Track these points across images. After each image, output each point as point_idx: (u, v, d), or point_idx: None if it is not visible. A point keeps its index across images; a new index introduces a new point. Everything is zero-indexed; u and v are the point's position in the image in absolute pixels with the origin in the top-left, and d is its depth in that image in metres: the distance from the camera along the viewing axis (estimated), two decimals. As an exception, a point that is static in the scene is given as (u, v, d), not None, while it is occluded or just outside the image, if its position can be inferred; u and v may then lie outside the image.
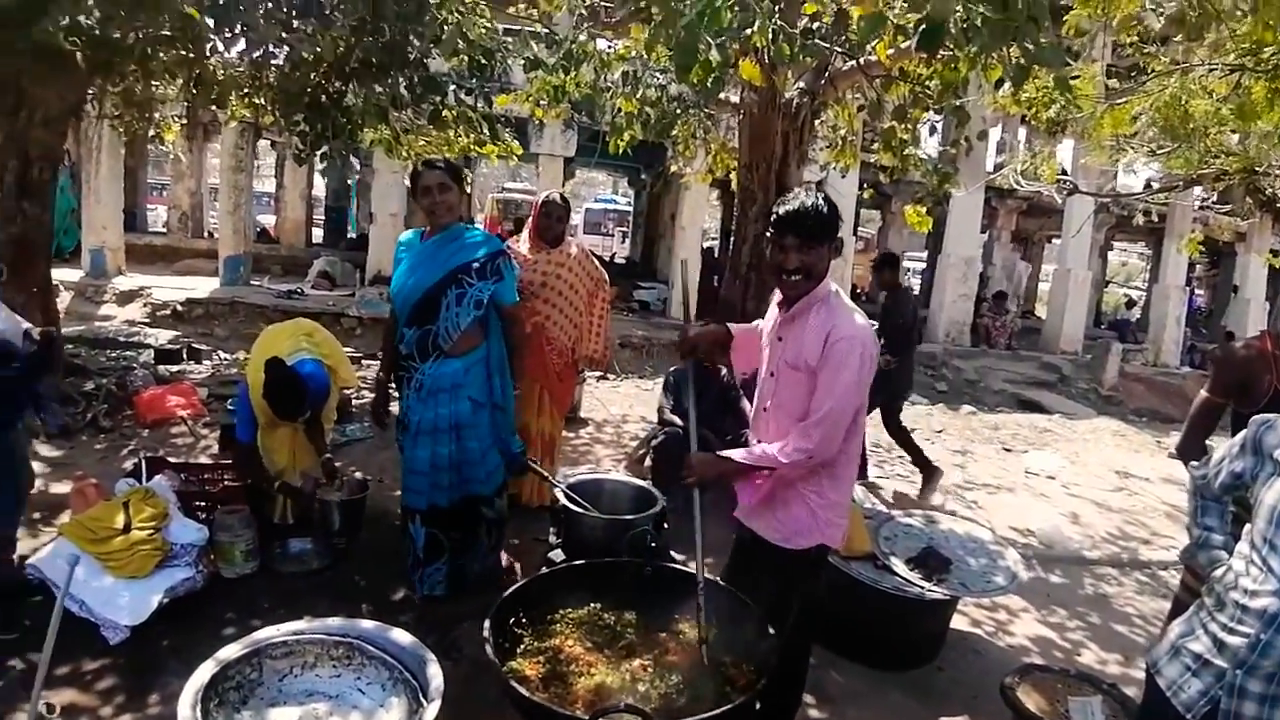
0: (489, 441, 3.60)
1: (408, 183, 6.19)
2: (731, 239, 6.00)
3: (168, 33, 4.73)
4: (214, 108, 7.44)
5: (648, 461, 5.26)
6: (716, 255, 16.67)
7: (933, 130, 7.18)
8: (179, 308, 11.29)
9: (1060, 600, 4.63)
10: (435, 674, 2.25)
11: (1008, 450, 8.20)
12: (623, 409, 8.10)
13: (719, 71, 3.75)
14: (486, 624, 2.23)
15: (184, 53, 5.45)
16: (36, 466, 4.43)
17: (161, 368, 7.72)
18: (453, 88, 6.58)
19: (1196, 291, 22.74)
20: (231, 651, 2.29)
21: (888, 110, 5.48)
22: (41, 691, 2.48)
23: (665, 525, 3.70)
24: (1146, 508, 6.69)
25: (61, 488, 4.49)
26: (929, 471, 6.10)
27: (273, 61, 5.89)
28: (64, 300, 10.62)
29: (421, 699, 2.18)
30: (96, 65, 5.38)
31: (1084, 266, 15.84)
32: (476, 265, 3.44)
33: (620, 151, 6.81)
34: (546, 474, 4.08)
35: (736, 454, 2.50)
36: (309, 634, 2.40)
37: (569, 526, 3.63)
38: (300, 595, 3.62)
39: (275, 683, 2.30)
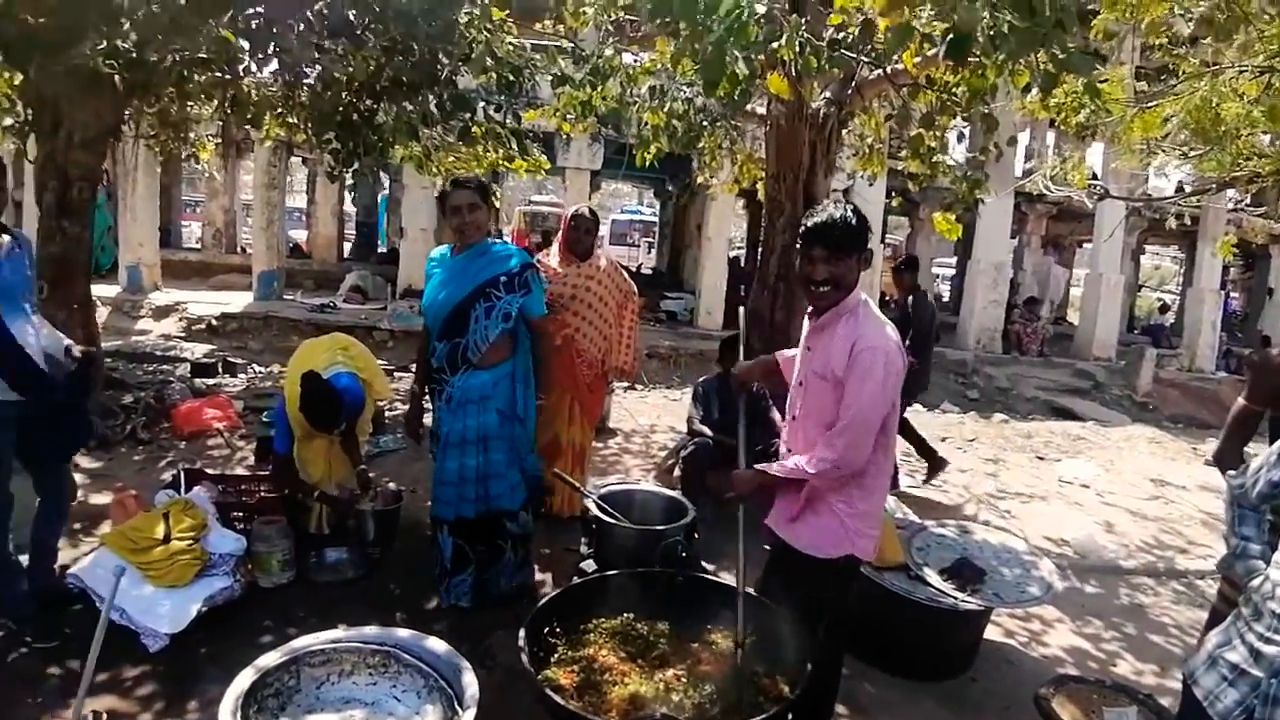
0: (514, 454, 3.64)
1: (437, 198, 6.28)
2: (759, 249, 6.00)
3: (203, 55, 4.84)
4: (248, 127, 7.59)
5: (677, 472, 5.27)
6: (742, 265, 16.69)
7: (960, 137, 7.12)
8: (214, 322, 11.50)
9: (1095, 610, 4.57)
10: (470, 682, 2.28)
11: (1041, 459, 8.11)
12: (651, 419, 8.12)
13: (746, 84, 3.77)
14: (522, 633, 2.26)
15: (219, 74, 5.58)
16: (76, 478, 4.55)
17: (197, 381, 7.86)
18: (481, 104, 6.66)
19: (1231, 295, 22.32)
20: (270, 659, 2.33)
21: (915, 118, 5.47)
22: (85, 699, 2.54)
23: (696, 536, 3.71)
24: (1183, 516, 6.58)
25: (101, 498, 4.59)
26: (934, 461, 6.24)
27: (305, 81, 6.00)
28: (102, 315, 10.83)
29: (457, 707, 2.21)
30: (133, 87, 5.52)
31: (1116, 271, 15.61)
32: (504, 279, 3.49)
33: (646, 164, 6.86)
34: (578, 484, 4.11)
35: (771, 468, 2.53)
36: (346, 642, 2.44)
37: (601, 537, 3.65)
38: (336, 604, 3.66)
39: (313, 690, 2.34)
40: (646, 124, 6.36)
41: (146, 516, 3.60)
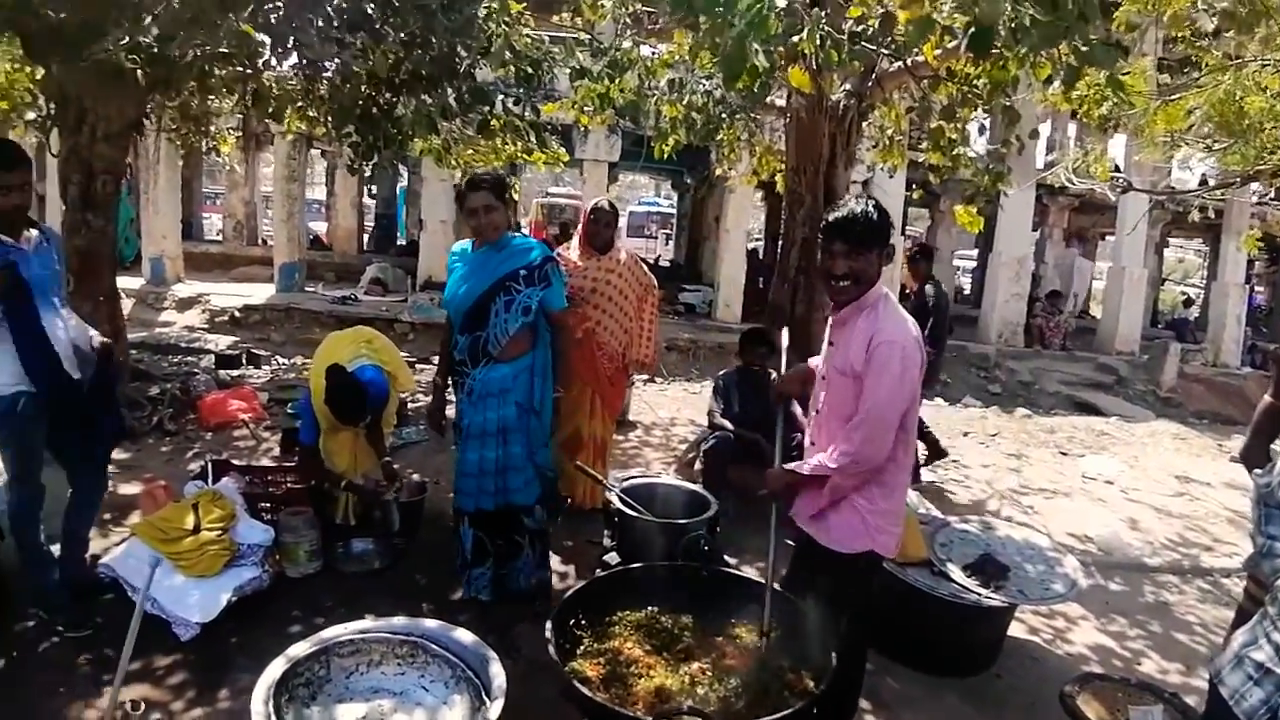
0: (530, 448, 3.65)
1: (456, 195, 6.30)
2: (778, 242, 5.99)
3: (224, 50, 4.87)
4: (269, 121, 7.64)
5: (698, 465, 5.28)
6: (761, 257, 16.63)
7: (982, 129, 7.07)
8: (237, 314, 11.58)
9: (1120, 608, 4.54)
10: (498, 673, 2.30)
11: (1064, 454, 8.05)
12: (671, 412, 8.13)
13: (766, 77, 3.76)
14: (549, 624, 2.28)
15: (240, 69, 5.63)
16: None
17: (222, 372, 7.94)
18: (500, 97, 6.68)
19: (1256, 289, 22.01)
20: (301, 649, 2.36)
21: (936, 110, 5.44)
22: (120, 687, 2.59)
23: (718, 529, 3.72)
24: (1208, 513, 6.52)
25: (130, 489, 4.66)
26: (934, 450, 6.29)
27: (325, 75, 6.03)
28: (126, 307, 10.91)
29: (484, 697, 2.23)
30: (155, 82, 5.57)
31: (1139, 264, 15.41)
32: (524, 272, 3.50)
33: (665, 156, 6.86)
34: (600, 477, 4.12)
35: (801, 467, 2.55)
36: (374, 633, 2.47)
37: (623, 530, 3.67)
38: (362, 594, 3.70)
39: (342, 680, 2.37)
40: (665, 116, 6.36)
41: (176, 507, 3.65)
